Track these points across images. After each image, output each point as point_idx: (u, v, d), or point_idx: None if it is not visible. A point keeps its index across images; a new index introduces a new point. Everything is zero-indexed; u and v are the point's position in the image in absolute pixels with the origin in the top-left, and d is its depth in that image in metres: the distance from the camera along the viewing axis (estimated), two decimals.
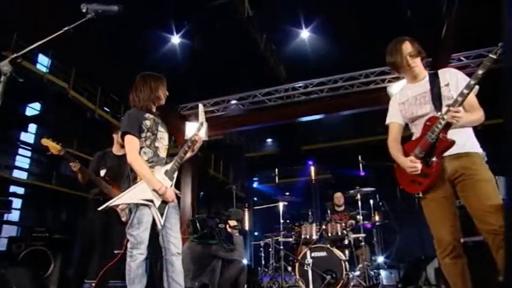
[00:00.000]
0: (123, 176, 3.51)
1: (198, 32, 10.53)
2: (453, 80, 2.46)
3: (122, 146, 4.01)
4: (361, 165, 6.07)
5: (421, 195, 2.48)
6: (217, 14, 9.52)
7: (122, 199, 2.70)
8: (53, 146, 3.86)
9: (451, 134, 2.34)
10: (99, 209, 2.72)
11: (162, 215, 2.71)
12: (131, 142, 2.78)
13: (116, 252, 3.79)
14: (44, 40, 1.87)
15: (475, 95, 2.40)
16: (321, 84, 8.15)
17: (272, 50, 11.38)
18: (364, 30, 10.00)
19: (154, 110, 2.96)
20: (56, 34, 1.83)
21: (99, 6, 1.92)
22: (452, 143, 2.31)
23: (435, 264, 4.70)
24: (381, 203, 6.25)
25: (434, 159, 2.37)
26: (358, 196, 5.75)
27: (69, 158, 3.94)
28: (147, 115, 2.87)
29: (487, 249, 2.32)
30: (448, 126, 2.31)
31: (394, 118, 2.73)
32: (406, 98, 2.64)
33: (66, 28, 1.85)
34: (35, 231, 5.12)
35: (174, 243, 2.80)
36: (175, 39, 11.01)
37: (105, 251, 3.88)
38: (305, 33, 11.39)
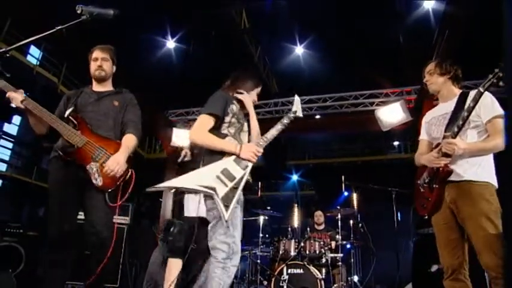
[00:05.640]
0: (106, 119, 2.68)
1: (193, 39, 10.56)
2: (479, 104, 2.31)
3: (100, 80, 2.86)
4: (343, 184, 6.13)
5: (426, 217, 2.53)
6: (214, 22, 9.58)
7: (177, 182, 2.24)
8: None
9: (454, 159, 2.33)
10: (148, 189, 2.18)
11: (227, 207, 2.17)
12: (203, 120, 2.39)
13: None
14: (36, 37, 1.87)
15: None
16: (310, 101, 8.23)
17: (265, 63, 11.46)
18: (356, 52, 10.15)
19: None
20: (48, 32, 1.83)
21: (94, 9, 1.92)
22: (449, 173, 2.32)
23: None
24: (360, 225, 6.28)
25: (435, 185, 2.41)
26: (339, 216, 5.79)
27: (8, 88, 2.58)
28: (235, 101, 2.56)
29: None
30: (447, 155, 2.32)
31: (422, 135, 2.76)
32: (431, 117, 2.67)
33: (59, 27, 1.85)
34: (9, 226, 5.00)
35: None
36: (171, 44, 11.01)
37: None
38: (299, 50, 11.51)
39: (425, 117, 2.75)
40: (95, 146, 2.52)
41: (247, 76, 2.72)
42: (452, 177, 2.34)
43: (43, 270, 2.69)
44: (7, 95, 2.59)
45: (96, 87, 2.88)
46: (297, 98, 2.83)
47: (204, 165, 2.34)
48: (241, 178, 2.30)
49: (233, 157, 2.34)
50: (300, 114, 2.73)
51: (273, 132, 2.52)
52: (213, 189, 2.18)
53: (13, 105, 2.61)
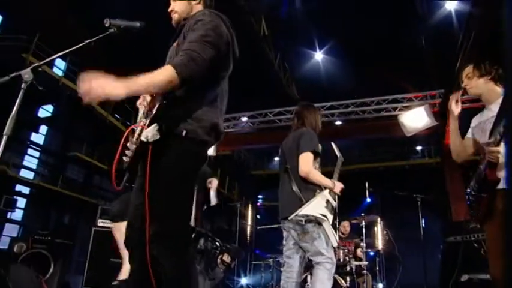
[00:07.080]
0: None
1: None
2: None
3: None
4: (367, 191, 6.04)
5: (479, 226, 2.46)
6: (233, 29, 9.66)
7: (306, 210, 2.76)
8: None
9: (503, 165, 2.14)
10: (290, 217, 2.79)
11: (334, 233, 2.84)
12: (310, 158, 2.91)
13: None
14: (65, 51, 1.92)
15: None
16: (332, 108, 8.16)
17: (285, 69, 11.47)
18: (378, 56, 10.04)
19: None
20: (77, 46, 1.87)
21: (122, 22, 1.94)
22: (496, 181, 2.14)
23: None
24: (385, 231, 6.17)
25: (483, 194, 2.28)
26: (363, 223, 5.70)
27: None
28: None
29: None
30: (493, 163, 2.13)
31: (468, 134, 2.58)
32: (477, 122, 2.50)
33: (87, 41, 1.89)
34: (38, 233, 5.13)
35: None
36: None
37: None
38: (319, 56, 11.48)
39: (472, 121, 2.57)
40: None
41: (309, 111, 3.24)
42: (504, 185, 2.14)
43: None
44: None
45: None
46: (333, 144, 3.40)
47: (302, 194, 2.85)
48: (334, 207, 2.94)
49: (327, 190, 2.91)
50: (342, 159, 3.35)
51: (336, 176, 3.15)
52: (326, 217, 2.75)
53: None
